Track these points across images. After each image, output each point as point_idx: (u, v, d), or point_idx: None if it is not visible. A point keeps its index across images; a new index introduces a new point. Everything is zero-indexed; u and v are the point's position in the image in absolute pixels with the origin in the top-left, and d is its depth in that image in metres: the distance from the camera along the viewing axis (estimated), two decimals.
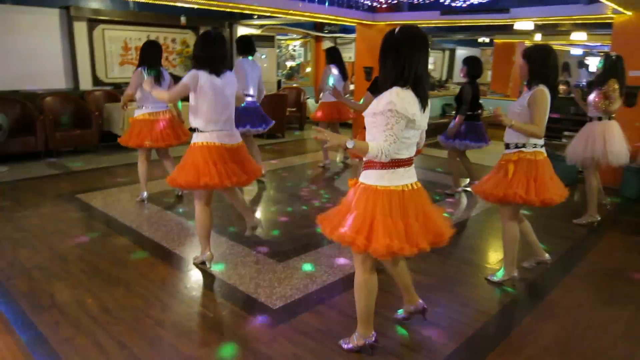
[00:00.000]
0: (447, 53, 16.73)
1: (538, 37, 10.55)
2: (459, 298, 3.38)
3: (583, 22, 7.09)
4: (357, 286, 2.60)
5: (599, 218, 5.09)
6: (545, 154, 3.44)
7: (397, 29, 2.38)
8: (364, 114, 2.46)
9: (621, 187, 6.29)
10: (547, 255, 3.76)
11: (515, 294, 3.47)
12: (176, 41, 9.67)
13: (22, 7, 7.55)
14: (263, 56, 10.53)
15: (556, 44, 14.20)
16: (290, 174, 6.92)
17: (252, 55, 5.93)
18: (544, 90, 3.23)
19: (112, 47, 8.78)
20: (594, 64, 16.30)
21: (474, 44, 15.10)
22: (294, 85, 12.08)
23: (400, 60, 2.32)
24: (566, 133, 7.21)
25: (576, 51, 16.14)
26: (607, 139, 4.84)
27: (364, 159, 2.46)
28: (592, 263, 4.12)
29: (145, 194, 5.30)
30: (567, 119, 7.36)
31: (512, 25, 8.25)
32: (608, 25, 6.91)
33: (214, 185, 3.43)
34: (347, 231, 2.39)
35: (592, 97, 4.95)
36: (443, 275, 3.75)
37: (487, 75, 15.81)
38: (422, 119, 2.41)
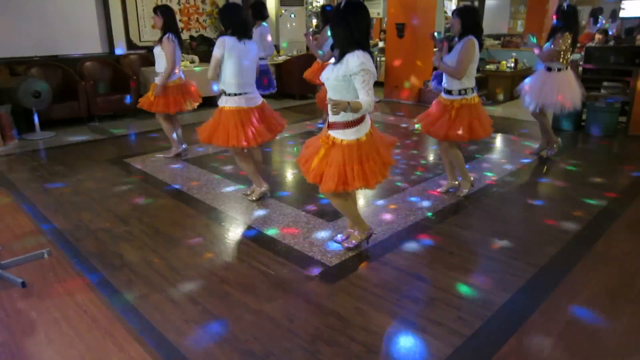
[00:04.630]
0: (476, 3, 16.22)
1: None
2: (507, 251, 3.51)
3: None
4: (342, 206, 3.28)
5: (560, 141, 5.69)
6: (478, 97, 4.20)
7: (342, 3, 2.86)
8: (329, 78, 2.93)
9: None
10: (456, 182, 4.53)
11: (562, 244, 3.59)
12: (206, 1, 9.65)
13: None
14: (292, 15, 10.44)
15: None
16: None
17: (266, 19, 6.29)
18: (473, 40, 3.93)
19: (145, 9, 8.83)
20: (631, 8, 15.54)
21: None
22: None
23: (354, 28, 2.81)
24: (605, 84, 7.08)
25: None
26: (565, 89, 5.18)
27: (339, 118, 2.94)
28: (637, 212, 4.20)
29: (182, 146, 5.72)
30: (605, 69, 7.21)
31: None
32: None
33: (241, 147, 4.01)
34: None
35: (547, 46, 5.23)
36: (489, 230, 3.87)
37: (518, 25, 15.38)
38: None
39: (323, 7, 7.26)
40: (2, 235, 3.79)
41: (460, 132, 4.06)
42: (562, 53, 5.11)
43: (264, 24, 6.15)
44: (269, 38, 6.21)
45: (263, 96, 4.31)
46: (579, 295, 2.95)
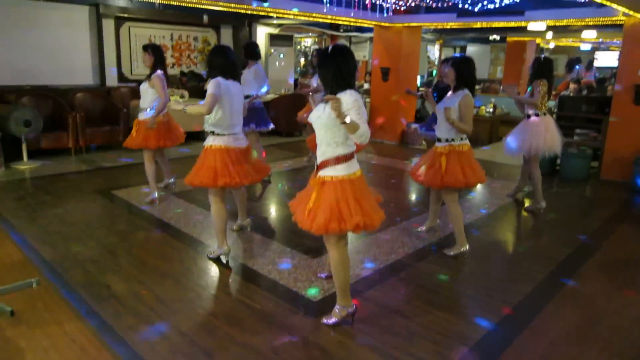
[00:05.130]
0: (458, 50, 16.90)
1: (549, 36, 10.76)
2: (484, 290, 3.67)
3: (595, 24, 7.29)
4: (338, 263, 3.01)
5: (545, 205, 5.51)
6: (469, 145, 4.20)
7: (330, 48, 2.96)
8: (320, 117, 2.90)
9: (632, 181, 6.51)
10: (437, 221, 4.63)
11: (535, 284, 3.76)
12: (198, 39, 9.96)
13: (54, 3, 7.86)
14: (281, 55, 10.78)
15: (566, 41, 14.37)
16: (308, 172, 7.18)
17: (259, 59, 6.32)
18: (470, 95, 4.04)
19: (137, 43, 9.05)
20: (603, 59, 16.38)
21: (485, 41, 15.27)
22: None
23: (343, 69, 2.88)
24: (578, 131, 7.42)
25: (585, 47, 16.28)
26: (545, 133, 5.28)
27: (331, 154, 2.90)
28: (606, 254, 4.44)
29: (155, 194, 5.43)
30: (578, 117, 7.56)
31: (526, 26, 8.44)
32: (618, 26, 7.12)
33: (233, 184, 3.88)
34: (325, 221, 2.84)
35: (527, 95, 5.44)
36: (466, 269, 4.03)
37: (498, 71, 16.00)
38: None
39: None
40: None
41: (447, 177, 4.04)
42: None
43: (258, 63, 6.30)
44: (264, 75, 6.33)
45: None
46: (551, 332, 3.10)
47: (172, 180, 5.84)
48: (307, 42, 14.68)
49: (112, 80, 8.85)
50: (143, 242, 4.41)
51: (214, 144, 3.91)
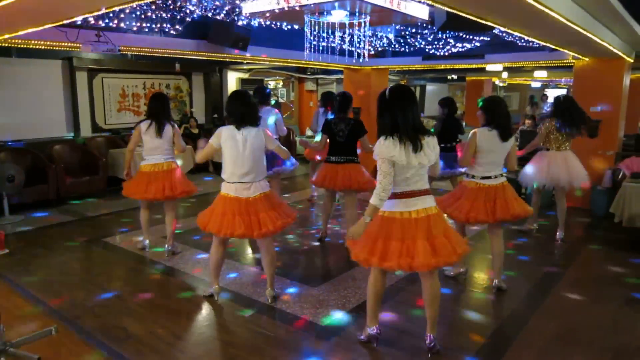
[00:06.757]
0: (417, 89, 17.74)
1: (505, 75, 11.65)
2: (475, 306, 4.03)
3: (547, 65, 8.01)
4: (368, 284, 3.31)
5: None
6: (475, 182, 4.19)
7: (387, 90, 3.08)
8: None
9: (591, 207, 7.08)
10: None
11: (519, 299, 4.14)
12: (170, 86, 10.26)
13: (27, 59, 7.94)
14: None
15: (519, 79, 15.41)
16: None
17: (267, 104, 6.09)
18: (475, 132, 4.10)
19: (111, 94, 9.26)
20: (552, 95, 17.72)
21: (443, 80, 16.15)
22: None
23: (385, 116, 3.05)
24: None
25: (536, 84, 17.51)
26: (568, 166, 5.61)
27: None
28: (576, 272, 4.87)
29: (147, 241, 5.42)
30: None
31: (485, 67, 9.16)
32: (567, 67, 7.85)
33: (236, 236, 3.77)
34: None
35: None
36: (459, 291, 4.37)
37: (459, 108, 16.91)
38: (414, 159, 2.98)
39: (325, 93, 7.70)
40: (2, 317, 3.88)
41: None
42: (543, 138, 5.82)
43: (270, 108, 6.09)
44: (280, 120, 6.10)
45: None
46: (538, 341, 3.46)
47: (167, 247, 5.29)
48: (271, 84, 15.11)
49: (86, 130, 8.93)
50: (147, 285, 4.54)
51: (222, 191, 3.89)
